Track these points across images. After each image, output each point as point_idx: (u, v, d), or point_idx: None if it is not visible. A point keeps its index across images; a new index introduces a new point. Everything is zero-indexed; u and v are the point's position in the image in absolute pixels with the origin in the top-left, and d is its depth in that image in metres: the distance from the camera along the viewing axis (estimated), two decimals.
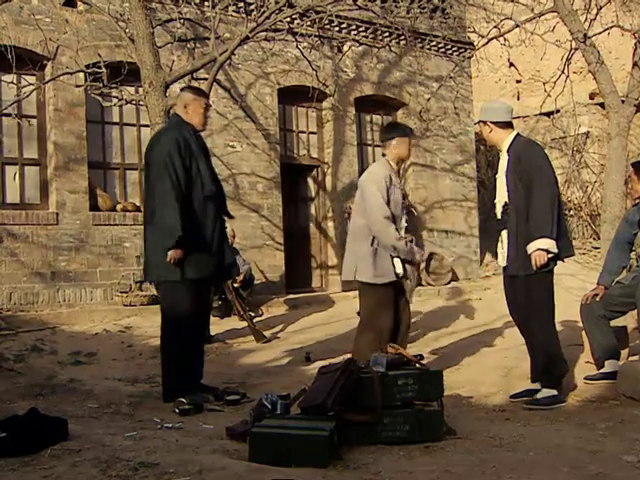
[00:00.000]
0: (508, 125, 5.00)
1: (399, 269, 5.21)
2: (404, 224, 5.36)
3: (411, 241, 5.27)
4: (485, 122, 5.01)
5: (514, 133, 5.00)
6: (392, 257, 5.19)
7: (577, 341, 5.84)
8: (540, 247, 4.68)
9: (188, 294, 5.03)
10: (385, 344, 4.92)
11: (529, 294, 4.85)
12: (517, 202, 4.83)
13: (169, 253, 4.90)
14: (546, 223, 4.68)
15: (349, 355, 4.94)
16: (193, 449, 3.64)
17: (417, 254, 5.28)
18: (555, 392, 4.81)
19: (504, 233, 4.94)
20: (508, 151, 4.94)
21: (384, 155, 5.48)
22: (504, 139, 4.97)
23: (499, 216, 5.00)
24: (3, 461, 3.39)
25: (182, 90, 5.63)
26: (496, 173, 5.12)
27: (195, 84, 9.34)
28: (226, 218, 5.49)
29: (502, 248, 4.98)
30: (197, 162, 5.13)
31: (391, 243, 5.16)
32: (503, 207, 4.94)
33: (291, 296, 10.51)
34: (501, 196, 4.96)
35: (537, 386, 4.96)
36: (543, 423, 4.38)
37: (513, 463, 3.49)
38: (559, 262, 4.87)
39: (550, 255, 4.69)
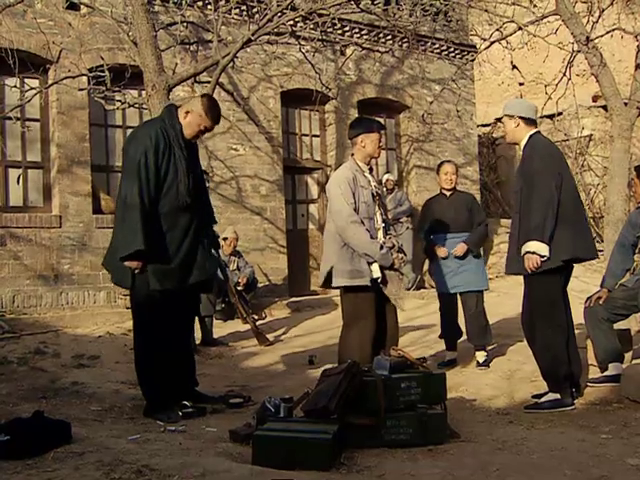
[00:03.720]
0: (532, 123, 4.95)
1: (376, 274, 4.95)
2: (380, 225, 5.11)
3: (392, 247, 5.03)
4: (513, 116, 4.93)
5: (532, 132, 4.93)
6: (368, 262, 4.94)
7: (580, 344, 5.83)
8: (528, 250, 4.67)
9: (154, 304, 4.69)
10: (368, 347, 4.90)
11: (529, 295, 4.87)
12: (521, 203, 4.81)
13: (125, 263, 4.59)
14: (537, 226, 4.65)
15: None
16: (196, 452, 3.65)
17: (396, 259, 5.02)
18: (558, 396, 4.77)
19: None
20: (523, 150, 4.92)
21: (352, 155, 5.22)
22: (524, 137, 4.92)
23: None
24: (7, 463, 3.40)
25: (202, 96, 5.04)
26: None
27: (198, 87, 9.37)
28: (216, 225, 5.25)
29: None
30: (176, 166, 4.69)
31: (362, 248, 4.90)
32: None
33: (294, 299, 10.51)
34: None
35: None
36: (546, 426, 4.37)
37: (516, 466, 3.49)
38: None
39: (543, 258, 4.65)
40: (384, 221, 5.18)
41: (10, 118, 8.66)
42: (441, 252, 6.48)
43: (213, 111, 4.85)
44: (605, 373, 5.25)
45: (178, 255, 4.74)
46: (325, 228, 5.28)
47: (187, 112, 4.80)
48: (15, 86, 8.79)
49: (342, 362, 4.47)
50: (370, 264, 4.95)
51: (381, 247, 4.97)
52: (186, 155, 4.77)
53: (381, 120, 12.64)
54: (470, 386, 5.64)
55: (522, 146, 4.94)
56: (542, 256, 4.65)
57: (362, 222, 4.95)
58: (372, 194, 5.08)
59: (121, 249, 4.58)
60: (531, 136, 4.91)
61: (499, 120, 5.44)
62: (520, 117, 4.90)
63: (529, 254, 4.67)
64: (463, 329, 6.59)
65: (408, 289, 10.89)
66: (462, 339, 6.63)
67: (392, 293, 5.06)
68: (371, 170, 5.25)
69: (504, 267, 5.18)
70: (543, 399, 4.82)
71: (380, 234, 5.10)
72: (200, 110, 4.77)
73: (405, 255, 5.21)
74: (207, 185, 5.82)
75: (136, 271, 4.63)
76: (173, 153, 4.70)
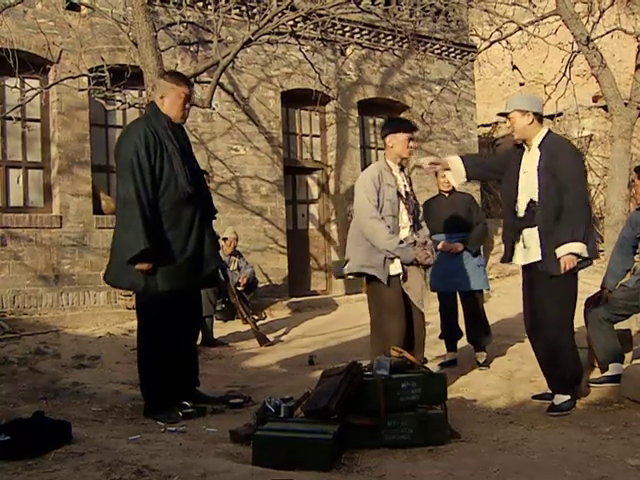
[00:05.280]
0: (542, 120, 4.86)
1: (396, 270, 5.03)
2: (406, 223, 5.17)
3: (414, 243, 5.05)
4: (527, 111, 4.75)
5: (546, 129, 4.83)
6: (388, 258, 5.01)
7: (581, 344, 5.83)
8: (572, 251, 4.55)
9: (161, 305, 4.65)
10: (398, 342, 4.86)
11: (553, 296, 4.69)
12: (548, 201, 4.63)
13: (136, 266, 4.51)
14: (579, 226, 4.56)
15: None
16: (197, 452, 3.64)
17: (420, 255, 5.03)
18: (568, 397, 4.71)
19: (527, 231, 4.74)
20: (539, 147, 4.73)
21: (385, 154, 5.35)
22: (536, 134, 4.78)
23: (521, 213, 4.78)
24: (7, 464, 3.40)
25: (160, 76, 5.10)
26: (517, 169, 4.85)
27: (198, 87, 9.38)
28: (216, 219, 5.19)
29: (524, 247, 4.78)
30: (171, 160, 4.62)
31: (380, 243, 4.99)
32: (528, 205, 4.73)
33: (294, 299, 10.52)
34: (528, 193, 4.73)
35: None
36: (547, 426, 4.37)
37: (517, 466, 3.49)
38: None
39: (579, 259, 4.59)
40: (413, 219, 5.22)
41: (11, 118, 8.66)
42: (455, 247, 6.45)
43: (179, 77, 4.94)
44: (606, 373, 5.25)
45: (186, 251, 4.70)
46: (351, 224, 5.41)
47: (162, 97, 4.80)
48: (15, 86, 8.79)
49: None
50: (391, 260, 5.02)
51: (401, 242, 5.01)
52: (179, 147, 4.73)
53: (381, 120, 12.71)
54: (470, 386, 5.64)
55: (536, 143, 4.76)
56: (582, 257, 4.60)
57: (383, 219, 5.03)
58: (397, 192, 5.13)
59: (127, 252, 4.52)
60: (548, 133, 4.80)
61: (504, 115, 5.18)
62: (534, 113, 4.77)
63: (571, 256, 4.55)
64: (463, 329, 6.59)
65: None
66: (462, 339, 6.63)
67: (414, 292, 5.08)
68: (402, 169, 5.31)
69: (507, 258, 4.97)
70: (560, 402, 4.71)
71: (406, 232, 5.15)
72: (170, 85, 4.80)
73: (433, 254, 5.19)
74: (207, 185, 5.81)
75: (149, 272, 4.57)
76: (165, 147, 4.65)
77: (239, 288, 8.56)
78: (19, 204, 9.39)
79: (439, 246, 6.46)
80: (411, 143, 5.23)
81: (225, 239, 8.80)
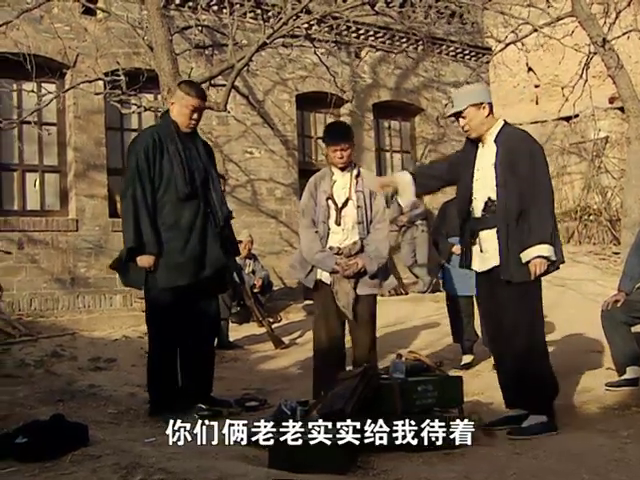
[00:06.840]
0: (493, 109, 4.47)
1: (318, 276, 5.09)
2: (338, 229, 5.06)
3: (338, 252, 4.98)
4: (481, 103, 4.32)
5: (501, 120, 4.44)
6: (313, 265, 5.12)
7: (598, 348, 5.79)
8: (541, 254, 4.19)
9: (163, 303, 4.77)
10: (326, 358, 5.05)
11: (521, 304, 4.27)
12: (508, 199, 4.22)
13: (137, 261, 4.69)
14: (547, 228, 4.21)
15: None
16: (213, 455, 3.64)
17: (340, 265, 4.94)
18: (545, 418, 4.25)
19: (484, 233, 4.35)
20: (495, 141, 4.33)
21: None
22: (492, 126, 4.37)
23: (477, 214, 4.40)
24: (24, 466, 3.41)
25: (179, 84, 5.30)
26: (472, 166, 4.42)
27: (213, 91, 9.41)
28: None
29: (481, 250, 4.39)
30: (171, 161, 4.73)
31: (302, 251, 5.14)
32: (486, 204, 4.33)
33: (309, 302, 10.49)
34: (484, 191, 4.33)
35: (518, 412, 4.39)
36: (564, 430, 4.33)
37: (534, 470, 3.47)
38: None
39: (549, 262, 4.24)
40: (355, 224, 5.08)
41: (28, 122, 8.72)
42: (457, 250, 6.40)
43: (193, 88, 4.98)
44: (623, 377, 5.20)
45: (186, 249, 4.77)
46: None
47: (172, 104, 4.96)
48: (32, 91, 8.85)
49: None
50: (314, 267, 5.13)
51: (322, 251, 5.02)
52: (182, 148, 4.80)
53: (396, 123, 12.72)
54: (487, 390, 5.60)
55: (492, 137, 4.36)
56: (551, 260, 4.24)
57: (315, 226, 5.10)
58: (328, 198, 5.07)
59: (124, 251, 4.76)
60: (504, 126, 4.41)
61: (456, 115, 4.59)
62: (489, 103, 4.35)
63: (540, 259, 4.19)
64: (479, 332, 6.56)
65: (423, 292, 10.86)
66: (476, 345, 6.60)
67: (339, 299, 5.04)
68: (354, 170, 5.15)
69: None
70: (527, 423, 4.27)
71: (337, 237, 5.09)
72: (181, 94, 4.90)
73: (375, 261, 5.02)
74: (222, 189, 5.83)
75: (151, 269, 4.71)
76: (167, 149, 4.76)
77: (255, 290, 8.57)
78: (36, 208, 9.45)
79: (453, 249, 6.44)
80: (338, 153, 5.04)
81: (240, 242, 8.79)
